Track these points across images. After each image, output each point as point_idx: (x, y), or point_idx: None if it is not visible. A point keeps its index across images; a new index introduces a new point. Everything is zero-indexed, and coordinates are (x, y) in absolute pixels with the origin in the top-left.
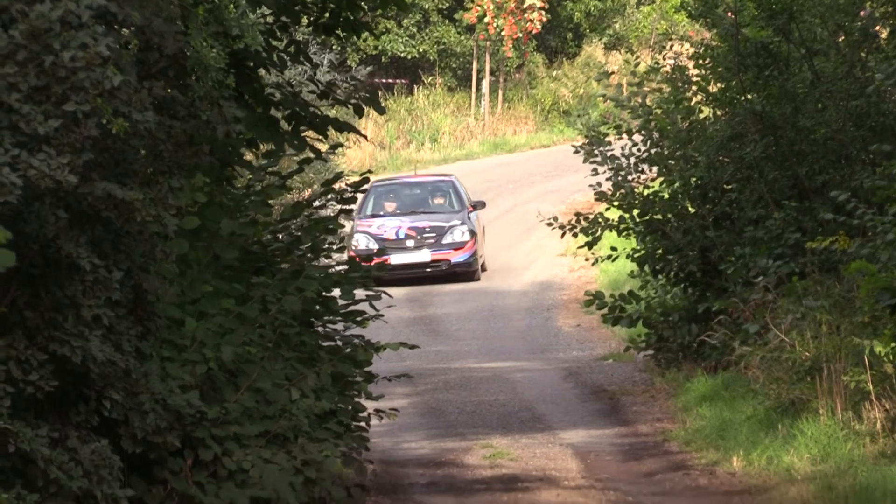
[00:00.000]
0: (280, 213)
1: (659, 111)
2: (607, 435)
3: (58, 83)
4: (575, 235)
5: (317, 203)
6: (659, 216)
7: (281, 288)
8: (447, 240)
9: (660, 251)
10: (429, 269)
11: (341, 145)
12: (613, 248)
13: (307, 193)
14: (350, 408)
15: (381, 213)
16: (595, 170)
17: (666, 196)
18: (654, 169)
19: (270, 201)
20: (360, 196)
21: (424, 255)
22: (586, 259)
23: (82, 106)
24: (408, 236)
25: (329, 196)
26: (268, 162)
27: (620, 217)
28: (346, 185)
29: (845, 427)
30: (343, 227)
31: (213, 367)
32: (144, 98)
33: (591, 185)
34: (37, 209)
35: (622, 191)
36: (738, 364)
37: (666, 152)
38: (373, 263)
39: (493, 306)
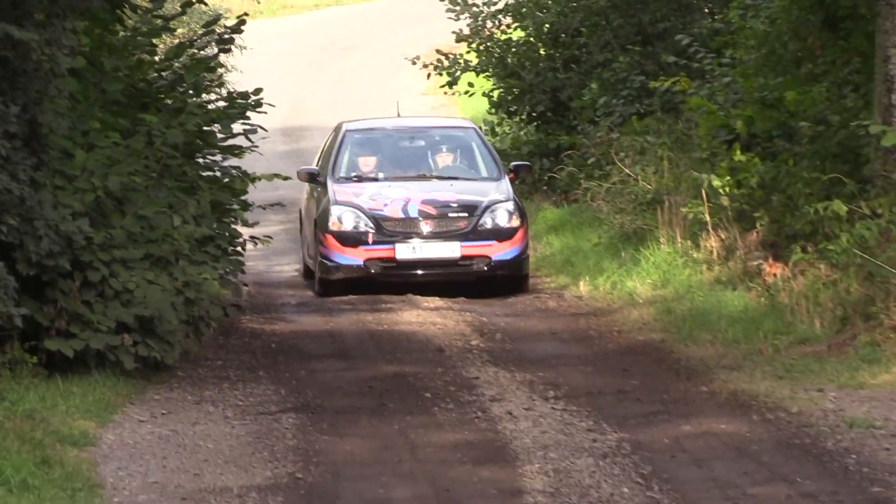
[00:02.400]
0: (165, 53)
1: None
2: None
3: None
4: (440, 74)
5: (198, 44)
6: (515, 58)
7: (165, 122)
8: (486, 224)
9: (515, 91)
10: (457, 269)
11: None
12: (471, 84)
13: None
14: (227, 234)
15: (371, 174)
16: (456, 17)
17: (520, 39)
18: (510, 17)
19: (155, 41)
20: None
21: (451, 249)
22: (445, 93)
23: None
24: (423, 215)
25: (209, 38)
26: (153, 5)
27: (480, 61)
28: (225, 26)
29: (684, 255)
30: (223, 66)
31: (101, 195)
32: None
33: (453, 31)
34: None
35: (480, 37)
36: (584, 197)
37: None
38: (372, 259)
39: None
